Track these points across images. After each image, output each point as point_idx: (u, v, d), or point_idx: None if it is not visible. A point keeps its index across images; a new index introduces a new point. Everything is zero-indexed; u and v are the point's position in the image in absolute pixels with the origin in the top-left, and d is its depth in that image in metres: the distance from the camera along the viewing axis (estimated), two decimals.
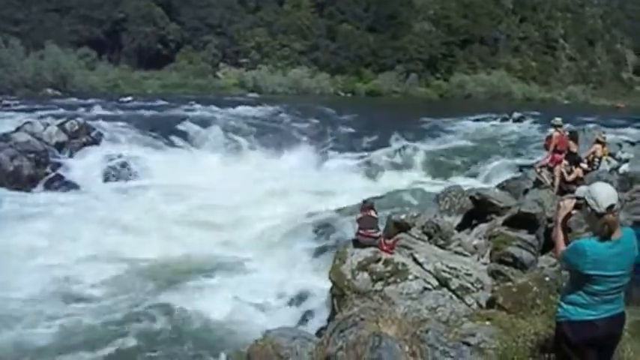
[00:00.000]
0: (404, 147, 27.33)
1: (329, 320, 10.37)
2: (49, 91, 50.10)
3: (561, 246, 5.07)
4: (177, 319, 12.22)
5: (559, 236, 5.14)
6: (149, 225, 18.24)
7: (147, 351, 11.03)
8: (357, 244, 10.74)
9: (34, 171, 24.20)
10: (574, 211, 5.18)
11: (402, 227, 11.78)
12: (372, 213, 10.84)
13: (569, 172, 14.77)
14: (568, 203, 5.21)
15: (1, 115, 31.67)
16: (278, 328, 8.79)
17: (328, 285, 10.98)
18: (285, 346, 7.54)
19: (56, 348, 11.04)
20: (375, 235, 10.65)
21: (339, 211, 17.68)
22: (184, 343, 11.34)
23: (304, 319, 12.16)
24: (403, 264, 10.03)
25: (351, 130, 31.92)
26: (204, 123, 30.19)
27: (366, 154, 27.21)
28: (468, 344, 6.28)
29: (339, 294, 10.09)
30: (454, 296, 9.47)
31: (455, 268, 9.93)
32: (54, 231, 17.22)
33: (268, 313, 12.62)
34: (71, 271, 14.61)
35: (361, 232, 10.69)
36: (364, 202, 11.19)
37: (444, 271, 9.84)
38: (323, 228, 16.32)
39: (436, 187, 19.65)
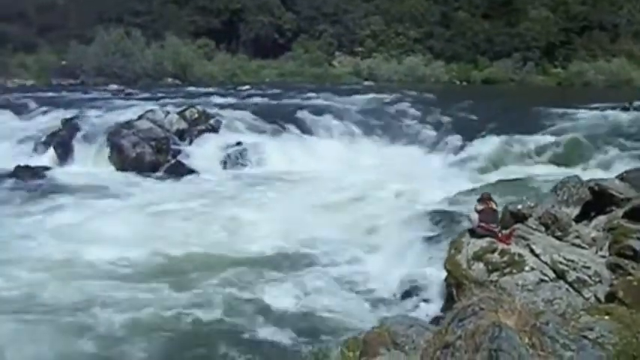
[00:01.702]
0: (520, 136, 26.54)
1: (443, 310, 10.45)
2: (170, 80, 51.56)
3: None
4: (296, 303, 12.42)
5: None
6: (269, 210, 18.43)
7: (263, 335, 11.17)
8: (473, 234, 10.68)
9: (156, 157, 25.01)
10: None
11: (519, 218, 11.48)
12: (493, 205, 10.76)
13: None
14: None
15: (124, 104, 32.83)
16: (394, 315, 8.89)
17: (442, 274, 10.98)
18: (402, 334, 7.48)
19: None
20: (495, 229, 10.58)
21: (453, 200, 17.47)
22: (301, 326, 11.44)
23: (418, 307, 12.08)
24: (519, 255, 9.91)
25: (466, 118, 31.26)
26: (319, 111, 30.23)
27: (481, 142, 26.54)
28: (587, 338, 5.97)
29: (454, 283, 10.08)
30: (571, 289, 9.32)
31: (572, 261, 9.74)
32: (186, 215, 18.11)
33: (383, 301, 12.61)
34: (208, 257, 15.01)
35: (482, 224, 10.62)
36: (482, 193, 11.13)
37: (561, 263, 9.67)
38: (437, 217, 16.03)
39: (554, 177, 19.00)
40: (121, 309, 11.80)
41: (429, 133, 28.52)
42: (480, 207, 10.73)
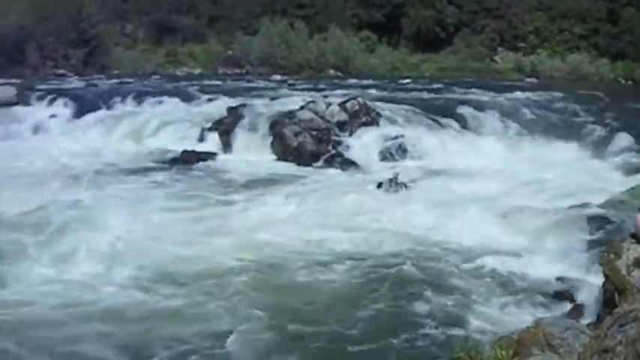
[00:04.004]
0: None
1: (600, 314, 10.25)
2: (332, 72, 52.12)
3: None
4: (449, 300, 12.49)
5: None
6: (427, 204, 18.33)
7: (417, 329, 11.35)
8: (635, 238, 10.49)
9: (316, 147, 25.44)
10: None
11: None
12: None
13: None
14: None
15: (286, 94, 33.54)
16: (550, 317, 8.92)
17: (600, 279, 10.83)
18: (557, 336, 7.47)
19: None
20: None
21: (615, 203, 16.91)
22: (454, 321, 11.56)
23: (574, 310, 11.94)
24: None
25: (633, 118, 29.68)
26: (479, 107, 29.83)
27: None
28: None
29: (613, 288, 9.94)
30: None
31: None
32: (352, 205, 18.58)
33: (538, 302, 12.51)
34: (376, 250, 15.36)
35: None
36: None
37: None
38: (597, 220, 15.62)
39: None
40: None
41: (594, 132, 27.49)
42: None
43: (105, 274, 13.50)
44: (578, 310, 11.87)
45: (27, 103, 32.11)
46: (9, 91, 32.23)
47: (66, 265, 13.93)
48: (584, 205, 17.03)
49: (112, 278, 13.33)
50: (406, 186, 20.43)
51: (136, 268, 13.75)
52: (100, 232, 15.67)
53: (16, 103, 31.62)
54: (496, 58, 62.41)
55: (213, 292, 12.71)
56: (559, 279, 13.38)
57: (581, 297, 12.37)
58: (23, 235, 15.28)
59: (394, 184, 20.28)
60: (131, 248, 14.81)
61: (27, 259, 14.18)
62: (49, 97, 32.69)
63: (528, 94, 34.79)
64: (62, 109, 31.23)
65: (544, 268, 13.96)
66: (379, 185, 20.50)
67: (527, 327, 7.86)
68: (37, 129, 29.45)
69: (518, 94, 34.66)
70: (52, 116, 30.36)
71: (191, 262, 14.30)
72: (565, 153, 25.41)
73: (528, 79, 52.37)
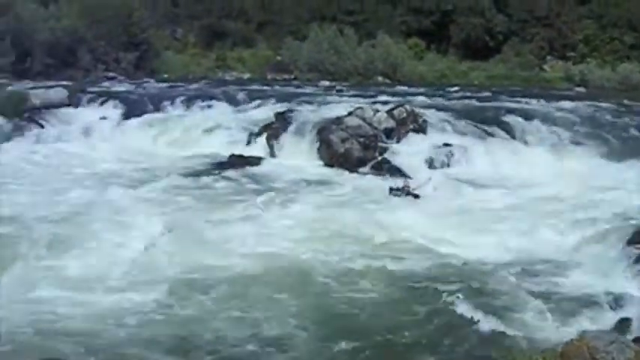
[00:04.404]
0: None
1: None
2: (380, 78, 52.00)
3: None
4: (490, 311, 12.41)
5: None
6: (472, 214, 18.32)
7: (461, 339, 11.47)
8: None
9: (363, 154, 25.54)
10: None
11: None
12: None
13: None
14: None
15: (334, 100, 33.61)
16: (595, 330, 8.97)
17: None
18: (602, 350, 7.44)
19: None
20: None
21: None
22: (496, 332, 11.60)
23: (621, 325, 11.81)
24: None
25: None
26: (528, 116, 29.47)
27: None
28: None
29: None
30: None
31: None
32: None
33: (583, 315, 12.40)
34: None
35: None
36: None
37: None
38: None
39: None
40: None
41: None
42: None
43: (142, 277, 13.76)
44: (624, 324, 11.75)
45: (78, 105, 32.71)
46: (61, 93, 32.86)
47: (99, 270, 14.21)
48: (633, 218, 16.95)
49: (147, 281, 13.56)
50: (416, 196, 20.90)
51: (172, 273, 13.99)
52: (138, 234, 15.95)
53: (68, 105, 32.23)
54: (545, 67, 61.77)
55: (248, 298, 12.86)
56: (605, 292, 13.23)
57: (628, 311, 12.25)
58: (68, 230, 15.72)
59: (404, 193, 20.90)
60: (167, 252, 15.06)
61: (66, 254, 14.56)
62: (100, 99, 33.26)
63: (577, 103, 34.30)
64: (112, 111, 31.75)
65: (590, 281, 13.88)
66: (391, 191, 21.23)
67: (572, 340, 7.88)
68: (87, 130, 29.93)
69: (567, 103, 34.18)
70: (102, 118, 30.84)
71: (228, 265, 14.49)
72: (616, 165, 25.03)
73: (577, 89, 51.73)
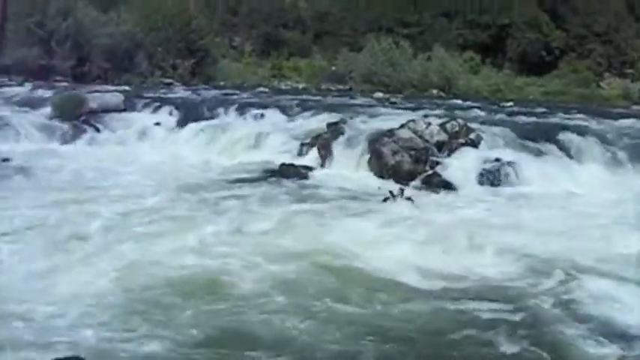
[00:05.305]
0: None
1: None
2: (434, 92, 51.83)
3: None
4: (528, 325, 12.08)
5: None
6: (530, 229, 18.14)
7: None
8: None
9: (413, 166, 25.50)
10: None
11: None
12: None
13: None
14: None
15: (387, 112, 33.71)
16: (635, 355, 9.31)
17: None
18: None
19: None
20: None
21: None
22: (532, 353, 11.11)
23: None
24: None
25: None
26: (584, 133, 28.90)
27: None
28: None
29: None
30: None
31: None
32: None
33: (622, 337, 11.79)
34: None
35: None
36: None
37: None
38: None
39: None
40: None
41: None
42: None
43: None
44: None
45: (133, 110, 33.41)
46: (117, 98, 33.60)
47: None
48: None
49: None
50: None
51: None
52: (181, 239, 16.07)
53: (123, 110, 32.96)
54: (602, 84, 60.93)
55: (289, 310, 12.73)
56: None
57: None
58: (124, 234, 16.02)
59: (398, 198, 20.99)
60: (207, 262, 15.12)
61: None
62: (155, 104, 33.97)
63: (635, 121, 33.73)
64: (167, 117, 32.39)
65: (632, 301, 13.38)
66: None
67: None
68: (141, 135, 30.60)
69: (625, 121, 33.64)
70: (157, 124, 31.44)
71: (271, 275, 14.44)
72: None
73: (635, 107, 50.78)
